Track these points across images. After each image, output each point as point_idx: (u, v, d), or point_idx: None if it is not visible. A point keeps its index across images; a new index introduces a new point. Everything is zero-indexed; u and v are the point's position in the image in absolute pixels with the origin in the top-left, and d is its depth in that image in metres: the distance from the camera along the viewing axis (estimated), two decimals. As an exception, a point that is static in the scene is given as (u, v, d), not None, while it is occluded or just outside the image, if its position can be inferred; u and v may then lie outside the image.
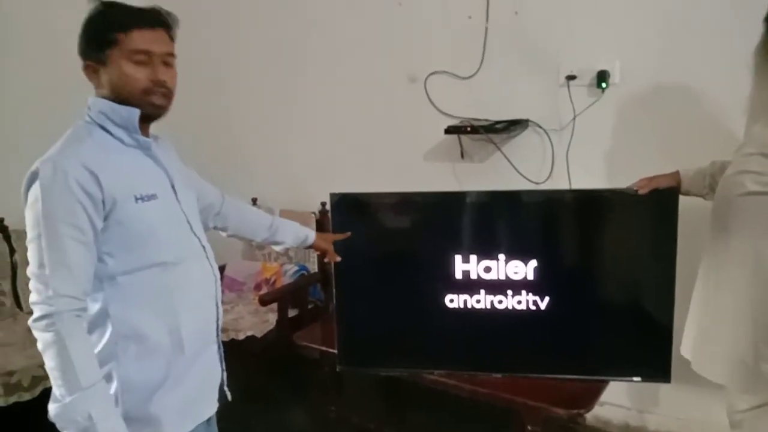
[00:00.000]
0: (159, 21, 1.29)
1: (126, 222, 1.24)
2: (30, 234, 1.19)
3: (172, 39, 1.33)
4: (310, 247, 1.92)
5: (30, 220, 1.19)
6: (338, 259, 1.95)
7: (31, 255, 1.20)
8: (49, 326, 1.16)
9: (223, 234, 1.75)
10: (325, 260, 2.00)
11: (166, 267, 1.31)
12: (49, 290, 1.16)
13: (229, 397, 1.51)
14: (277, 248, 1.87)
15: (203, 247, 1.41)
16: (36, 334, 1.19)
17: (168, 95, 1.31)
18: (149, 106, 1.28)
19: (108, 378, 1.28)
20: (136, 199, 1.26)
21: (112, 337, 1.27)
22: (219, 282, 1.45)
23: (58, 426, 1.20)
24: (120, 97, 1.26)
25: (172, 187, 1.37)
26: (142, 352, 1.29)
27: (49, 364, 1.18)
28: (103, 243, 1.23)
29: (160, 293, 1.31)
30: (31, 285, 1.20)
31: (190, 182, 1.52)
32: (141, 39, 1.25)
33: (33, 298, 1.19)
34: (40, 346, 1.18)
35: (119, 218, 1.23)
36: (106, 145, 1.26)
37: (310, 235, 1.88)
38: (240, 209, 1.75)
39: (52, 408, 1.20)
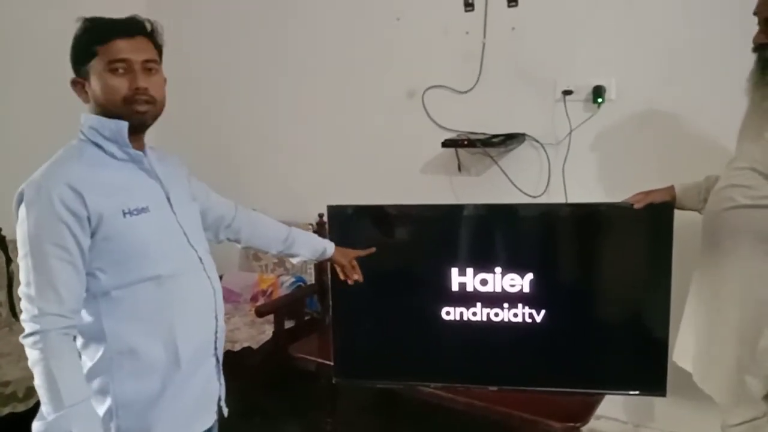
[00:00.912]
0: (137, 28, 1.28)
1: (114, 237, 1.23)
2: (19, 253, 1.21)
3: (156, 46, 1.32)
4: (329, 260, 1.88)
5: (19, 239, 1.21)
6: (357, 277, 1.88)
7: (21, 274, 1.21)
8: (35, 344, 1.17)
9: (238, 246, 1.74)
10: (342, 277, 1.90)
11: (160, 281, 1.29)
12: (35, 309, 1.17)
13: (226, 413, 1.49)
14: (294, 260, 1.83)
15: (200, 259, 1.39)
16: (26, 350, 1.19)
17: (151, 102, 1.28)
18: (133, 114, 1.26)
19: (103, 393, 1.27)
20: (124, 213, 1.25)
21: (106, 352, 1.26)
22: (219, 295, 1.43)
23: None
24: (105, 109, 1.26)
25: (168, 199, 1.36)
26: (137, 368, 1.28)
27: (36, 381, 1.18)
28: (94, 259, 1.23)
29: (155, 308, 1.29)
30: (21, 304, 1.21)
31: (197, 194, 1.51)
32: (118, 48, 1.24)
33: (22, 315, 1.20)
34: (29, 362, 1.19)
35: (106, 234, 1.23)
36: (97, 162, 1.26)
37: (329, 248, 1.84)
38: (253, 221, 1.73)
39: (35, 426, 1.20)
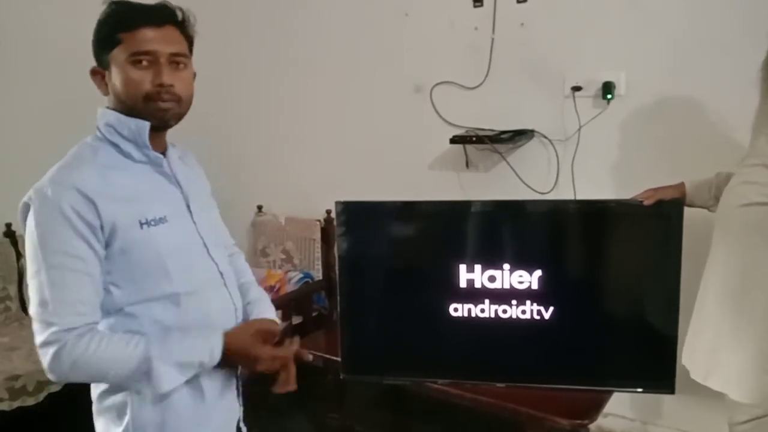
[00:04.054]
0: (167, 17, 1.16)
1: (130, 250, 1.12)
2: (30, 269, 1.10)
3: (187, 38, 1.20)
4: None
5: (29, 254, 1.10)
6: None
7: (32, 292, 1.09)
8: (61, 362, 1.07)
9: None
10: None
11: (179, 299, 1.18)
12: (54, 326, 1.06)
13: None
14: None
15: (221, 273, 1.27)
16: (51, 377, 1.09)
17: (176, 99, 1.16)
18: (154, 112, 1.15)
19: (120, 414, 1.17)
20: (141, 224, 1.13)
21: None
22: (240, 311, 1.31)
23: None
24: (124, 104, 1.15)
25: (188, 207, 1.24)
26: (157, 395, 1.15)
27: (98, 378, 1.13)
28: (107, 273, 1.13)
29: (173, 329, 1.17)
30: (35, 326, 1.09)
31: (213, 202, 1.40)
32: (144, 38, 1.12)
33: (37, 339, 1.08)
34: (74, 378, 1.10)
35: (122, 246, 1.12)
36: (111, 164, 1.15)
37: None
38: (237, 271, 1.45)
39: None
